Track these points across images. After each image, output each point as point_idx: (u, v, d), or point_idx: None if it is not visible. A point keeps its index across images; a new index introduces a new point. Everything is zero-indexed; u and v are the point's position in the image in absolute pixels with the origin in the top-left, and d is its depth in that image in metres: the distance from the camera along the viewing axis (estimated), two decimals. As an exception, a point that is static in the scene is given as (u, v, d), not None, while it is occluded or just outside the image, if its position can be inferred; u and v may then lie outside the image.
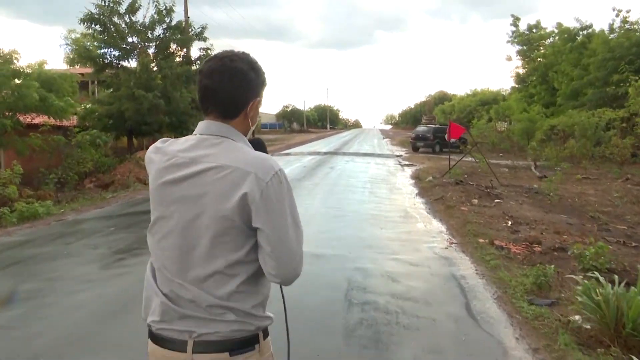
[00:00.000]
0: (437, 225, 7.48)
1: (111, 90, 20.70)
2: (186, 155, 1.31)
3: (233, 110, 1.36)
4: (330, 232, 7.13)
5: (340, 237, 6.82)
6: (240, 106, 1.36)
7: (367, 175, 14.75)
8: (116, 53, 21.08)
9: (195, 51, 23.93)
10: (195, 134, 1.36)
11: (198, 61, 23.33)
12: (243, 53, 1.39)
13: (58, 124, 14.68)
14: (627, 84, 22.09)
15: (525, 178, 14.71)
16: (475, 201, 8.60)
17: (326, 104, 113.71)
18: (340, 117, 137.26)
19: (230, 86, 1.32)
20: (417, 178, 13.43)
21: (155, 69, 20.73)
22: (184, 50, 23.08)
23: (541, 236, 6.37)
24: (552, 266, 4.70)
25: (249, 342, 1.30)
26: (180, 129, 22.77)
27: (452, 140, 17.28)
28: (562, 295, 4.29)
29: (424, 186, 11.62)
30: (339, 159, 20.87)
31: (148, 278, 1.37)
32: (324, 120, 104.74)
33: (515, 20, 37.94)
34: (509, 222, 7.27)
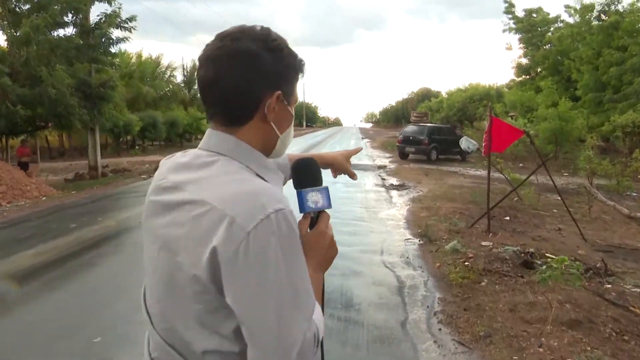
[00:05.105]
0: None
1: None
2: (172, 178, 0.94)
3: (239, 112, 0.93)
4: None
5: None
6: (249, 105, 0.92)
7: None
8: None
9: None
10: (198, 148, 0.97)
11: (96, 29, 16.28)
12: (261, 28, 0.95)
13: None
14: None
15: (609, 220, 8.18)
16: None
17: (302, 101, 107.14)
18: (319, 114, 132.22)
19: (231, 76, 0.90)
20: (424, 235, 6.46)
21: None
22: (79, 15, 16.01)
23: None
24: None
25: None
26: (59, 126, 15.71)
27: (470, 147, 10.68)
28: None
29: (445, 272, 4.85)
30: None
31: None
32: (301, 118, 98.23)
33: (510, 6, 32.10)
34: None
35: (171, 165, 0.97)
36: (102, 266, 5.26)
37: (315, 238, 0.98)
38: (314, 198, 1.00)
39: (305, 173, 1.04)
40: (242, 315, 0.80)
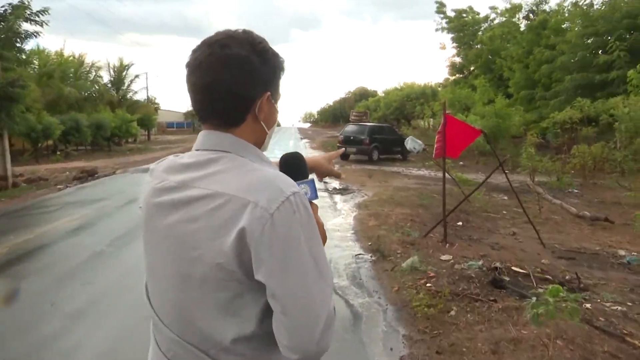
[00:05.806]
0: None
1: None
2: (175, 178, 0.95)
3: (234, 115, 0.96)
4: None
5: None
6: (244, 107, 0.96)
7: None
8: None
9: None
10: (194, 149, 1.00)
11: (1, 22, 14.54)
12: (243, 32, 0.97)
13: None
14: (620, 67, 16.53)
15: (559, 220, 7.93)
16: None
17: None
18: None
19: (224, 82, 0.92)
20: (376, 250, 5.82)
21: None
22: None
23: None
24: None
25: None
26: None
27: (416, 147, 10.20)
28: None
29: (405, 297, 4.16)
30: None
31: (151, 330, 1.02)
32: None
33: (441, 5, 32.66)
34: None
35: (169, 167, 0.98)
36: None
37: None
38: (303, 190, 0.99)
39: (294, 167, 1.06)
40: (273, 288, 0.82)
